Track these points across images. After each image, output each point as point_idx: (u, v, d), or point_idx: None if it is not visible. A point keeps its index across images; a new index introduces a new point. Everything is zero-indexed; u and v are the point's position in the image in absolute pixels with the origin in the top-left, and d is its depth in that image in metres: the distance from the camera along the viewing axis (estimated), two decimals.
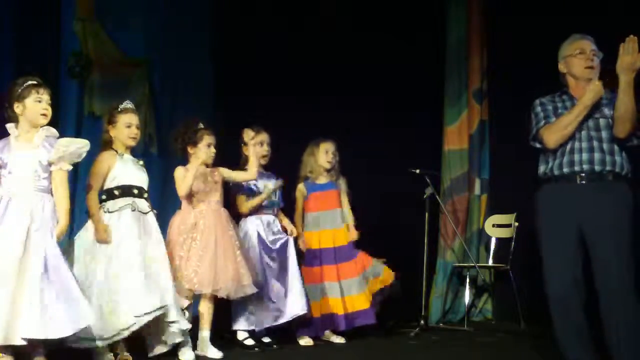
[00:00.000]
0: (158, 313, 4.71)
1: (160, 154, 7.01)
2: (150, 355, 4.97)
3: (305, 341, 6.00)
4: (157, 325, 4.84)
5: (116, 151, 5.03)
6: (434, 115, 7.95)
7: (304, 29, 7.48)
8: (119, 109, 5.05)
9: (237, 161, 5.95)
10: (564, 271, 4.19)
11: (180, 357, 5.04)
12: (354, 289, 6.12)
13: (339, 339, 6.09)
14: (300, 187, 6.29)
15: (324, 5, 7.55)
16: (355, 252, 6.27)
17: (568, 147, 4.24)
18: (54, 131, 4.64)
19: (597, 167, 4.15)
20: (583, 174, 4.17)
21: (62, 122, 6.67)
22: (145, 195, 5.04)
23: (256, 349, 5.70)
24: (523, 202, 7.34)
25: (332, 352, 5.77)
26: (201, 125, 5.51)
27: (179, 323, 4.86)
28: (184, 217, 5.40)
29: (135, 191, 4.97)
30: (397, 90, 7.58)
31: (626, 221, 4.07)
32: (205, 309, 5.37)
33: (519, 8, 7.49)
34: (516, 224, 7.38)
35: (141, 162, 5.16)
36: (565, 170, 4.24)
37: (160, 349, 4.95)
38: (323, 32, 7.54)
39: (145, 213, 4.97)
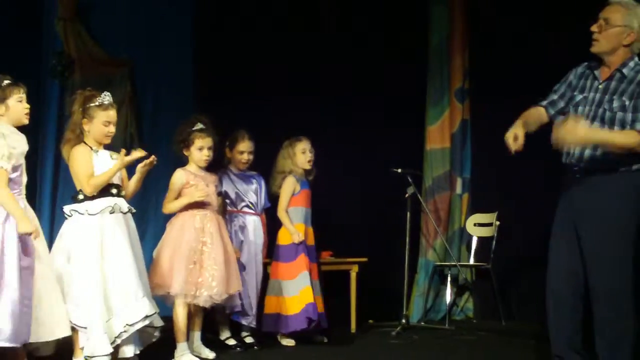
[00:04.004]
0: (147, 321, 4.64)
1: None
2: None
3: (287, 341, 6.01)
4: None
5: (90, 147, 4.77)
6: (416, 115, 7.97)
7: (287, 29, 7.48)
8: (98, 103, 4.74)
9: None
10: (559, 264, 4.14)
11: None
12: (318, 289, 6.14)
13: (321, 338, 6.10)
14: (293, 181, 6.09)
15: (306, 5, 7.55)
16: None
17: None
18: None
19: (588, 164, 4.02)
20: (576, 168, 4.07)
21: (44, 122, 6.67)
22: (123, 193, 4.83)
23: (238, 348, 5.71)
24: (504, 201, 7.46)
25: (314, 352, 5.77)
26: (199, 126, 5.34)
27: (155, 322, 4.81)
28: (188, 220, 5.28)
29: (114, 190, 4.75)
30: (379, 89, 7.59)
31: (620, 217, 3.93)
32: (198, 311, 5.37)
33: (501, 8, 7.53)
34: (497, 222, 7.41)
35: (114, 156, 4.84)
36: (563, 160, 4.15)
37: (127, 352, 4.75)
38: (306, 32, 7.53)
39: (125, 213, 4.80)
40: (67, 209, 4.76)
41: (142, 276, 4.77)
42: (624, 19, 3.97)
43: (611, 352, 3.95)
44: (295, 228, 6.02)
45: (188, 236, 5.19)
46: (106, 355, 4.47)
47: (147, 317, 4.62)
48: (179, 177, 5.34)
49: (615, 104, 3.94)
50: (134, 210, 4.89)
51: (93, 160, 4.73)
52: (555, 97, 4.27)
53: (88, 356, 4.48)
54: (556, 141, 3.91)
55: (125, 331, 4.56)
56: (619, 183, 3.95)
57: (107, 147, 4.86)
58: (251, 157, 6.02)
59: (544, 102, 4.31)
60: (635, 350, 3.96)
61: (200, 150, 5.35)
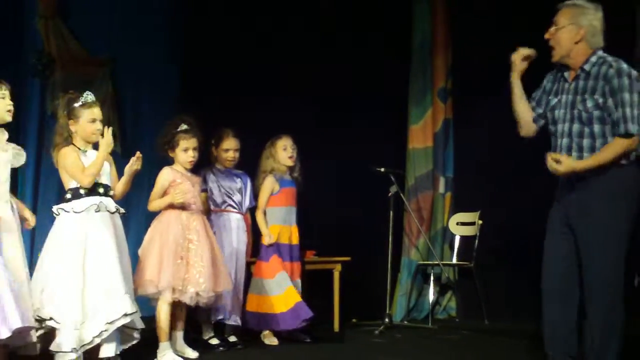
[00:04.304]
0: (128, 319, 4.60)
1: (124, 153, 6.95)
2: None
3: (271, 340, 6.00)
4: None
5: (78, 148, 4.77)
6: (399, 114, 7.99)
7: (269, 29, 7.46)
8: (81, 102, 4.74)
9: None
10: (554, 264, 4.15)
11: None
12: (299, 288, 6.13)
13: (304, 337, 6.09)
14: (272, 180, 6.09)
15: (288, 5, 7.54)
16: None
17: (553, 138, 4.20)
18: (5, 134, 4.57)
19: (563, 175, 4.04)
20: None
21: (25, 120, 6.61)
22: (111, 192, 4.83)
23: (221, 348, 5.69)
24: (487, 200, 7.48)
25: (297, 351, 5.76)
26: (183, 127, 5.32)
27: (136, 324, 4.78)
28: (174, 217, 5.25)
29: (101, 190, 4.74)
30: (362, 89, 7.60)
31: (612, 216, 3.91)
32: (181, 310, 5.34)
33: (483, 8, 7.56)
34: (480, 222, 7.44)
35: None
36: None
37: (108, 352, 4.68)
38: (287, 32, 7.52)
39: (112, 212, 4.78)
40: (55, 208, 4.77)
41: (126, 276, 4.74)
42: (570, 18, 4.04)
43: (600, 349, 3.95)
44: (268, 230, 6.02)
45: (174, 232, 5.17)
46: (70, 352, 4.44)
47: (127, 315, 4.57)
48: (165, 175, 5.33)
49: (589, 103, 3.96)
50: (122, 211, 4.87)
51: (81, 159, 4.73)
52: (533, 104, 4.31)
53: (53, 350, 4.46)
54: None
55: (105, 330, 4.52)
56: (609, 182, 3.95)
57: (96, 147, 4.83)
58: (237, 154, 6.00)
59: (533, 103, 4.33)
60: (623, 349, 3.98)
61: (185, 151, 5.33)
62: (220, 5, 7.36)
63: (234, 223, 5.96)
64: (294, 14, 7.60)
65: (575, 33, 4.02)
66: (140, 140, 6.89)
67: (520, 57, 4.26)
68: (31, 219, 4.73)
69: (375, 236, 7.24)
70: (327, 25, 7.72)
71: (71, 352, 4.44)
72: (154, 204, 5.31)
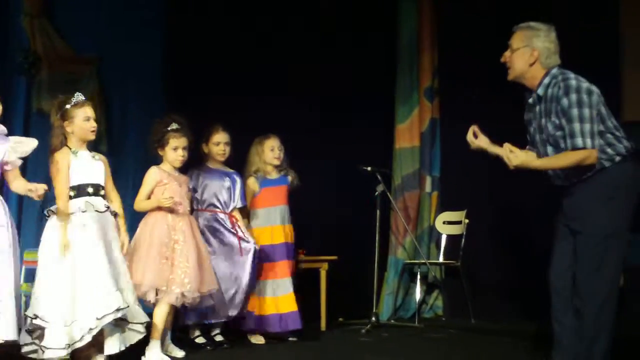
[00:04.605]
0: (119, 314, 4.59)
1: (111, 151, 6.93)
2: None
3: (257, 339, 6.00)
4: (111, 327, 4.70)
5: (70, 149, 4.82)
6: (385, 114, 8.00)
7: (256, 29, 7.45)
8: (73, 103, 4.82)
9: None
10: (558, 264, 4.20)
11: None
12: (290, 287, 6.14)
13: (290, 337, 6.09)
14: (252, 181, 6.15)
15: (275, 5, 7.53)
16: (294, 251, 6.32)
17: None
18: (2, 128, 4.58)
19: (561, 172, 4.11)
20: (554, 175, 4.18)
21: (10, 118, 6.58)
22: (102, 192, 4.85)
23: (208, 347, 5.68)
24: (473, 199, 7.50)
25: (284, 350, 5.76)
26: (174, 126, 5.34)
27: (140, 319, 4.79)
28: (160, 218, 5.24)
29: (90, 190, 4.77)
30: (349, 88, 7.60)
31: (599, 218, 3.96)
32: (170, 309, 5.30)
33: (469, 7, 7.57)
34: (466, 221, 7.45)
35: (97, 157, 4.95)
36: None
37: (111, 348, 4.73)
38: (275, 31, 7.51)
39: (103, 212, 4.79)
40: (46, 210, 4.81)
41: (119, 273, 4.75)
42: (524, 40, 4.14)
43: (588, 348, 3.98)
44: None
45: (159, 232, 5.16)
46: (59, 348, 4.44)
47: (119, 309, 4.56)
48: (153, 174, 5.31)
49: (550, 126, 4.05)
50: (113, 210, 4.90)
51: (71, 164, 4.77)
52: (529, 137, 4.36)
53: (44, 346, 4.46)
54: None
55: (95, 326, 4.52)
56: (593, 186, 4.01)
57: (89, 147, 4.94)
58: (228, 148, 5.99)
59: (528, 147, 4.39)
60: (610, 348, 4.00)
61: (175, 150, 5.34)
62: (209, 3, 7.34)
63: (219, 222, 5.94)
64: (280, 14, 7.60)
65: (530, 55, 4.12)
66: (126, 138, 6.92)
67: (476, 146, 4.46)
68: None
69: (362, 235, 7.24)
70: (312, 26, 7.72)
71: (61, 349, 4.44)
72: (142, 205, 5.30)
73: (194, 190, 5.88)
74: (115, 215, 4.91)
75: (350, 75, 7.63)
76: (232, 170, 6.10)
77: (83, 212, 4.69)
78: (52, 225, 4.71)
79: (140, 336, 4.85)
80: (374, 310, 6.86)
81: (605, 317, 3.97)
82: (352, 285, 7.35)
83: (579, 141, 3.87)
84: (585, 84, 3.95)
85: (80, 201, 4.72)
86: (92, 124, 4.86)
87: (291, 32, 7.59)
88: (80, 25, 6.96)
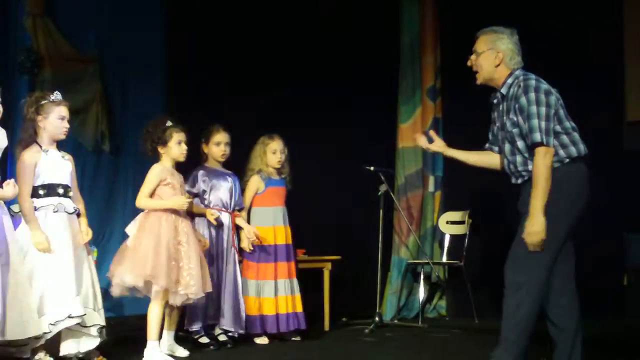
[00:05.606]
0: (74, 322, 4.59)
1: (112, 151, 6.94)
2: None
3: (261, 339, 5.98)
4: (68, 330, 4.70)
5: (40, 146, 4.79)
6: (389, 113, 7.99)
7: (256, 29, 7.44)
8: (51, 99, 4.80)
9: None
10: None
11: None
12: (296, 289, 6.14)
13: (294, 337, 6.09)
14: (257, 179, 6.13)
15: (276, 5, 7.52)
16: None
17: None
18: None
19: (514, 170, 4.17)
20: (510, 173, 4.25)
21: (13, 117, 6.57)
22: (70, 193, 4.86)
23: (211, 347, 5.67)
24: (476, 199, 7.48)
25: (288, 350, 5.75)
26: (169, 123, 5.33)
27: (87, 322, 4.74)
28: (164, 218, 5.18)
29: (61, 190, 4.78)
30: (352, 88, 7.60)
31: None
32: (173, 310, 5.33)
33: (472, 7, 7.56)
34: (470, 220, 7.45)
35: (66, 157, 4.93)
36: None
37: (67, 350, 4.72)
38: (276, 31, 7.50)
39: (71, 213, 4.82)
40: (14, 207, 4.88)
41: (80, 277, 4.75)
42: (488, 44, 4.21)
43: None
44: (252, 230, 5.97)
45: (166, 233, 5.11)
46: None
47: (71, 317, 4.57)
48: (157, 172, 5.28)
49: (508, 123, 4.09)
50: (79, 211, 4.91)
51: (41, 162, 4.75)
52: (491, 136, 4.41)
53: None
54: None
55: (49, 332, 4.54)
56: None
57: (59, 146, 4.92)
58: (228, 148, 5.98)
59: (487, 145, 4.47)
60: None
61: (179, 144, 5.32)
62: (210, 4, 7.33)
63: (224, 222, 5.94)
64: (282, 15, 7.60)
65: (495, 57, 4.17)
66: (128, 136, 6.92)
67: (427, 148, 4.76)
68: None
69: (365, 235, 7.24)
70: (315, 26, 7.71)
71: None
72: (147, 203, 5.21)
73: (203, 191, 5.88)
74: (78, 215, 4.93)
75: (353, 75, 7.62)
76: (229, 172, 6.09)
77: (55, 212, 4.72)
78: (22, 223, 4.71)
79: (101, 340, 4.82)
80: (377, 310, 6.85)
81: (519, 318, 4.25)
82: (356, 285, 7.35)
83: (537, 136, 3.91)
84: (544, 85, 4.01)
85: (51, 200, 4.74)
86: (66, 125, 4.86)
87: (293, 32, 7.59)
88: (83, 25, 6.97)
